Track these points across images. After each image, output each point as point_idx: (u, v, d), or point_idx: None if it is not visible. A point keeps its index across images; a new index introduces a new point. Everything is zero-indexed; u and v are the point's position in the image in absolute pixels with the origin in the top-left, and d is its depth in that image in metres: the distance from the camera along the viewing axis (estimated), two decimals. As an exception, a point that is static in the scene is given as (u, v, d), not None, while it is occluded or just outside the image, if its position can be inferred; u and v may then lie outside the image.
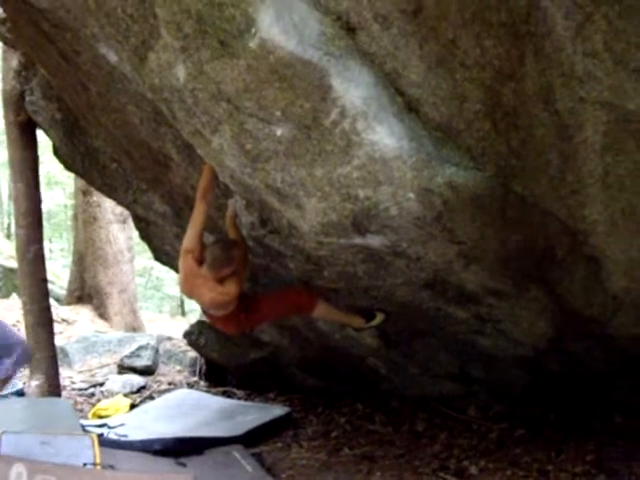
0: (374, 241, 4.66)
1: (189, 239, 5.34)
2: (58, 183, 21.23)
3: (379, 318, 6.19)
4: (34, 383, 8.09)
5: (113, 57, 4.28)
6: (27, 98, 7.25)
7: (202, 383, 9.62)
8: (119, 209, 13.12)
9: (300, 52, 3.57)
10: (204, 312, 6.27)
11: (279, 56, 3.56)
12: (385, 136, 3.83)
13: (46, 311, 8.42)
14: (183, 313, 24.09)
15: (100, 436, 6.19)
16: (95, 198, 13.82)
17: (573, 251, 4.48)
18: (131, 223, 11.58)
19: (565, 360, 6.05)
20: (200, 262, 5.32)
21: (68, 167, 7.73)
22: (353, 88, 3.70)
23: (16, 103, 7.59)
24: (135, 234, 12.04)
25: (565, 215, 4.21)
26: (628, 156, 3.72)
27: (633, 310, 4.77)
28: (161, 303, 26.41)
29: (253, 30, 3.50)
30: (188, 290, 5.58)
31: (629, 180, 3.83)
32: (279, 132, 3.93)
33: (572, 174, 3.93)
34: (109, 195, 7.70)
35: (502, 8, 3.34)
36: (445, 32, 3.48)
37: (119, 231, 14.50)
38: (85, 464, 5.33)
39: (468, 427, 7.15)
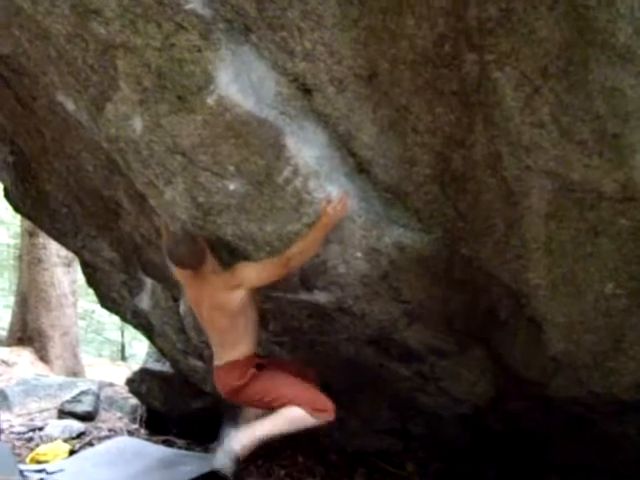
0: (320, 297, 4.71)
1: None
2: (3, 222, 20.96)
3: None
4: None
5: (70, 105, 4.28)
6: (-21, 140, 7.20)
7: (143, 431, 9.45)
8: (64, 252, 12.93)
9: (256, 111, 3.65)
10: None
11: (236, 113, 3.63)
12: (336, 195, 3.92)
13: (-13, 354, 8.32)
14: (123, 358, 23.76)
15: (38, 481, 6.10)
16: (41, 240, 13.61)
17: (515, 313, 4.57)
18: (76, 266, 11.46)
19: (505, 419, 6.10)
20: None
21: (18, 210, 7.63)
22: (307, 148, 3.79)
23: (-33, 144, 7.52)
24: (79, 277, 11.90)
25: (509, 278, 4.31)
26: (571, 223, 3.84)
27: (571, 373, 4.85)
28: (101, 347, 26.00)
29: (211, 87, 3.57)
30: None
31: (571, 246, 3.95)
32: (232, 187, 3.99)
33: (517, 239, 4.04)
34: (58, 239, 7.62)
35: (454, 78, 3.46)
36: (398, 98, 3.59)
37: (63, 274, 14.29)
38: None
39: (407, 483, 7.14)
